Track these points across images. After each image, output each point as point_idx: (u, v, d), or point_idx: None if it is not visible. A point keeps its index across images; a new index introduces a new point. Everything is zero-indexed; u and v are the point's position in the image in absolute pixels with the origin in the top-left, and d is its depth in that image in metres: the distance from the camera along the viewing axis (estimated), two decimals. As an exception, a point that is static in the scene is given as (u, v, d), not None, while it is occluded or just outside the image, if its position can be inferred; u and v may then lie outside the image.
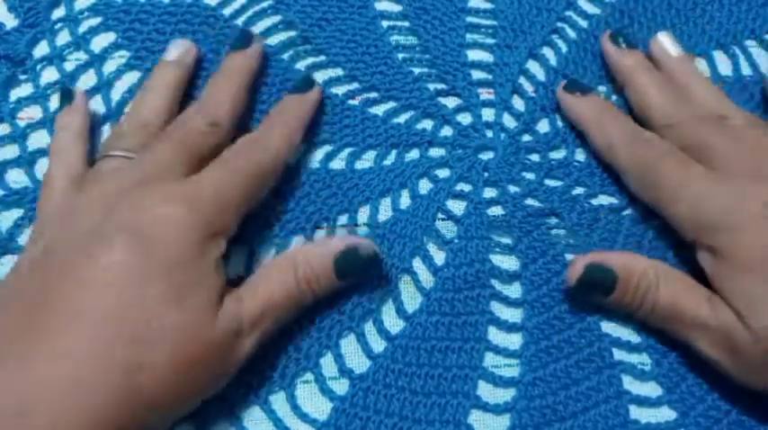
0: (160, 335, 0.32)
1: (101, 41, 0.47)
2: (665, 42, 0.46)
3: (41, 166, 0.43)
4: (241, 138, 0.40)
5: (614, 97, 0.46)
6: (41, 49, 0.46)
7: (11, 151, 0.44)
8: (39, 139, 0.44)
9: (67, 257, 0.33)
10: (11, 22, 0.47)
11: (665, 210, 0.39)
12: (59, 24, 0.47)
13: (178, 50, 0.44)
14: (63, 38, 0.47)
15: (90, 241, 0.33)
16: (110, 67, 0.46)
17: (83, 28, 0.47)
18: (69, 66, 0.46)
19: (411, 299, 0.41)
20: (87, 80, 0.46)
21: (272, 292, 0.36)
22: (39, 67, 0.46)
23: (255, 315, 0.35)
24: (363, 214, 0.43)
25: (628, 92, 0.45)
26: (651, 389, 0.39)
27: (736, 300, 0.35)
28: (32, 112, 0.45)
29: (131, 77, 0.46)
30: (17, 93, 0.45)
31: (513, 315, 0.41)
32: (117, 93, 0.45)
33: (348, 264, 0.38)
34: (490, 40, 0.48)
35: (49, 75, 0.46)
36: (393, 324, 0.40)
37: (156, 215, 0.34)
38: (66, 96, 0.43)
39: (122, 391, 0.30)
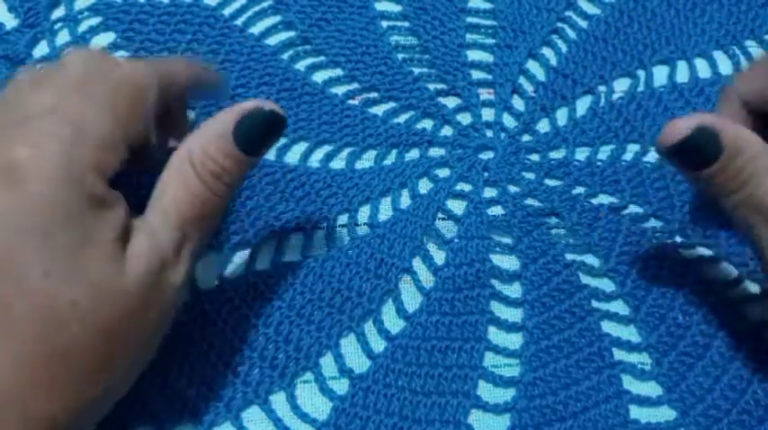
0: (65, 314, 0.26)
1: (100, 41, 0.47)
2: None
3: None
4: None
5: (614, 96, 0.46)
6: (41, 50, 0.46)
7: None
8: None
9: None
10: (11, 22, 0.47)
11: None
12: (59, 24, 0.47)
13: None
14: (62, 38, 0.47)
15: None
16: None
17: (82, 28, 0.47)
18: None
19: (411, 298, 0.41)
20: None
21: (180, 204, 0.30)
22: (38, 67, 0.46)
23: (175, 239, 0.30)
24: (363, 214, 0.43)
25: None
26: (651, 389, 0.39)
27: None
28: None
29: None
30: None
31: (513, 315, 0.41)
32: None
33: (249, 133, 0.31)
34: (490, 41, 0.48)
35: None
36: (393, 324, 0.40)
37: (22, 153, 0.27)
38: None
39: (50, 380, 0.26)
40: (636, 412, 0.39)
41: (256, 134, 0.32)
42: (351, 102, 0.46)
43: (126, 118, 0.30)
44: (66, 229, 0.27)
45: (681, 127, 0.32)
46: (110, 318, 0.27)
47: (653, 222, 0.43)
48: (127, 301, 0.28)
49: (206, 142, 0.31)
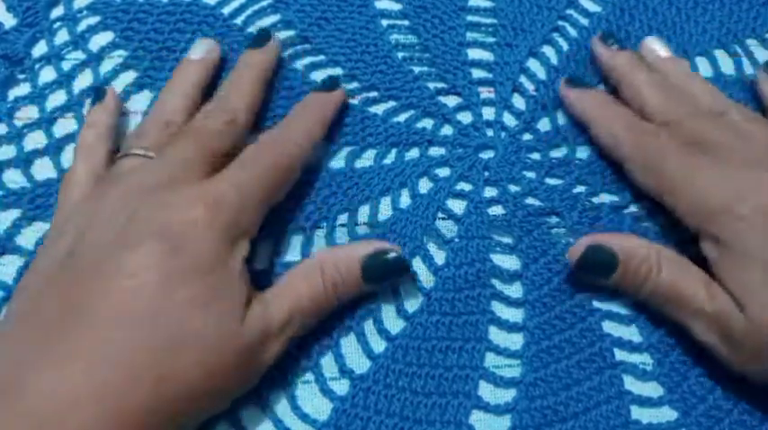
0: (189, 341, 0.31)
1: (99, 40, 0.47)
2: (655, 44, 0.46)
3: (38, 167, 0.43)
4: (261, 136, 0.40)
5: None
6: (40, 49, 0.46)
7: (8, 151, 0.44)
8: (36, 140, 0.44)
9: (94, 262, 0.33)
10: (9, 21, 0.46)
11: (671, 198, 0.39)
12: (58, 24, 0.47)
13: (202, 49, 0.44)
14: (61, 37, 0.47)
15: (116, 247, 0.33)
16: (107, 66, 0.46)
17: (81, 27, 0.47)
18: (67, 65, 0.46)
19: (411, 298, 0.41)
20: (84, 79, 0.46)
21: (299, 296, 0.36)
22: (37, 66, 0.46)
23: (283, 319, 0.35)
24: (363, 213, 0.43)
25: (622, 91, 0.44)
26: (652, 390, 0.39)
27: (736, 288, 0.35)
28: (30, 112, 0.45)
29: (128, 77, 0.46)
30: (15, 92, 0.45)
31: (513, 315, 0.41)
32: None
33: (375, 267, 0.38)
34: (490, 39, 0.48)
35: (48, 74, 0.46)
36: (393, 324, 0.40)
37: (180, 219, 0.34)
38: (99, 94, 0.43)
39: (151, 399, 0.30)
40: (637, 412, 0.39)
41: (380, 271, 0.38)
42: (350, 101, 0.46)
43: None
44: (214, 275, 0.33)
45: (578, 247, 0.39)
46: (221, 356, 0.32)
47: (653, 222, 0.42)
48: (235, 347, 0.33)
49: (339, 260, 0.38)
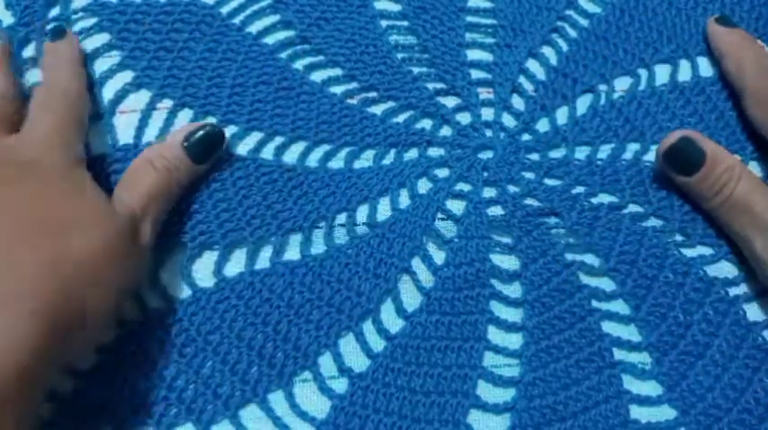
0: (71, 225, 0.34)
1: (94, 42, 0.46)
2: None
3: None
4: (35, 90, 0.42)
5: (615, 95, 0.46)
6: (30, 50, 0.46)
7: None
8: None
9: None
10: (8, 19, 0.46)
11: None
12: (53, 24, 0.46)
13: None
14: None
15: None
16: (102, 66, 0.46)
17: (76, 29, 0.47)
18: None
19: (411, 298, 0.41)
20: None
21: (144, 185, 0.39)
22: (24, 67, 0.45)
23: (141, 204, 0.38)
24: (362, 213, 0.43)
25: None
26: (651, 389, 0.39)
27: None
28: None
29: (126, 76, 0.45)
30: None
31: (513, 315, 0.41)
32: (109, 91, 0.45)
33: (197, 146, 0.41)
34: (490, 40, 0.48)
35: (36, 76, 0.45)
36: (393, 323, 0.40)
37: (22, 152, 0.37)
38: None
39: (54, 277, 0.32)
40: (636, 412, 0.39)
41: (202, 148, 0.42)
42: (349, 101, 0.46)
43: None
44: (71, 181, 0.37)
45: (672, 136, 0.41)
46: (105, 235, 0.35)
47: (653, 222, 0.42)
48: (116, 228, 0.36)
49: (164, 150, 0.41)
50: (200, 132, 0.41)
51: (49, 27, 0.46)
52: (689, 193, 0.42)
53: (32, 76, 0.45)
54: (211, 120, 0.44)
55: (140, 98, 0.45)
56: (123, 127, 0.44)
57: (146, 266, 0.39)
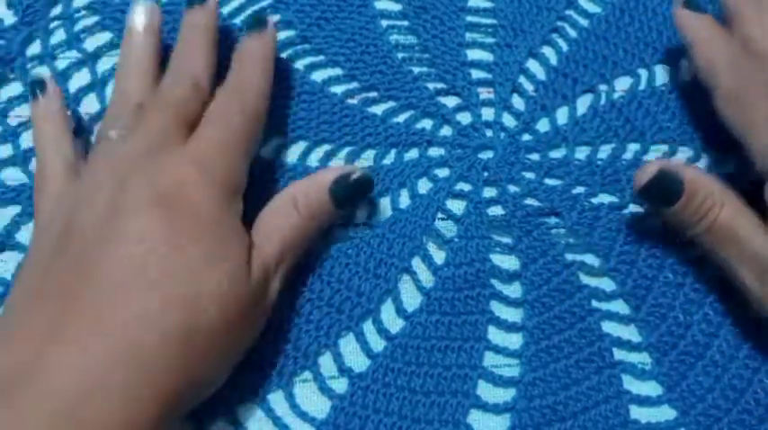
0: (207, 295, 0.32)
1: (96, 40, 0.46)
2: None
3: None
4: (218, 90, 0.40)
5: (616, 95, 0.46)
6: (35, 48, 0.46)
7: (5, 150, 0.44)
8: (31, 138, 0.43)
9: (94, 237, 0.33)
10: (9, 18, 0.46)
11: (749, 137, 0.39)
12: (55, 23, 0.47)
13: (144, 15, 0.42)
14: (58, 36, 0.46)
15: (113, 217, 0.33)
16: (105, 65, 0.46)
17: (78, 27, 0.47)
18: (62, 64, 0.46)
19: (411, 298, 0.41)
20: (81, 78, 0.46)
21: (282, 231, 0.37)
22: (29, 65, 0.45)
23: (276, 258, 0.36)
24: (362, 213, 0.43)
25: (731, 22, 0.43)
26: (651, 389, 0.39)
27: None
28: (24, 111, 0.44)
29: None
30: (7, 92, 0.45)
31: (513, 314, 0.41)
32: (111, 91, 0.44)
33: (343, 191, 0.39)
34: (490, 40, 0.48)
35: (41, 73, 0.45)
36: (393, 323, 0.40)
37: (171, 181, 0.34)
38: (39, 86, 0.42)
39: (182, 356, 0.31)
40: (636, 412, 0.39)
41: (349, 194, 0.39)
42: (350, 101, 0.46)
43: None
44: (219, 229, 0.34)
45: (648, 170, 0.38)
46: (237, 306, 0.33)
47: (653, 222, 0.42)
48: (248, 297, 0.34)
49: (309, 190, 0.39)
50: (351, 178, 0.39)
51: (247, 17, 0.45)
52: (671, 223, 0.40)
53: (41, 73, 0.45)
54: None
55: (141, 98, 0.45)
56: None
57: (264, 323, 0.37)
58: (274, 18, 0.47)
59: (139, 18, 0.42)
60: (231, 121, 0.38)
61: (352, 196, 0.40)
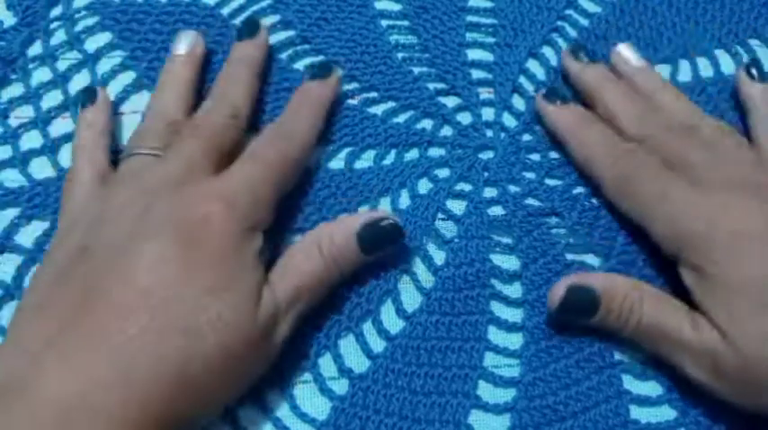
0: (208, 325, 0.32)
1: (96, 41, 0.47)
2: (626, 53, 0.45)
3: (35, 166, 0.43)
4: (266, 128, 0.41)
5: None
6: (36, 49, 0.46)
7: (4, 151, 0.44)
8: (31, 139, 0.44)
9: (110, 255, 0.33)
10: (9, 20, 0.46)
11: (645, 223, 0.39)
12: (55, 24, 0.47)
13: (187, 43, 0.44)
14: (58, 37, 0.46)
15: (132, 239, 0.33)
16: (104, 66, 0.46)
17: (78, 27, 0.47)
18: (62, 65, 0.46)
19: (411, 298, 0.41)
20: (81, 80, 0.46)
21: (301, 273, 0.37)
22: (30, 66, 0.46)
23: (289, 298, 0.36)
24: (363, 214, 0.43)
25: (595, 107, 0.44)
26: (651, 389, 0.39)
27: (721, 320, 0.35)
28: (24, 113, 0.45)
29: (127, 77, 0.46)
30: (8, 93, 0.45)
31: (513, 315, 0.41)
32: (111, 93, 0.45)
33: (371, 237, 0.38)
34: (490, 39, 0.48)
35: (43, 74, 0.46)
36: (393, 323, 0.40)
37: (195, 214, 0.34)
38: (90, 94, 0.43)
39: (176, 383, 0.31)
40: (636, 412, 0.39)
41: (376, 241, 0.38)
42: (350, 101, 0.46)
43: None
44: (231, 262, 0.34)
45: (558, 289, 0.38)
46: (239, 338, 0.33)
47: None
48: (252, 332, 0.34)
49: (335, 234, 0.38)
50: (380, 225, 0.38)
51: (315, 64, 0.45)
52: (601, 328, 0.39)
53: (42, 75, 0.45)
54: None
55: (141, 99, 0.45)
56: (125, 128, 0.44)
57: (271, 363, 0.37)
58: (275, 18, 0.48)
59: (182, 45, 0.44)
60: (271, 163, 0.38)
61: (380, 243, 0.39)
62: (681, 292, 0.38)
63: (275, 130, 0.40)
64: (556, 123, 0.44)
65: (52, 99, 0.45)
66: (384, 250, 0.39)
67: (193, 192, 0.35)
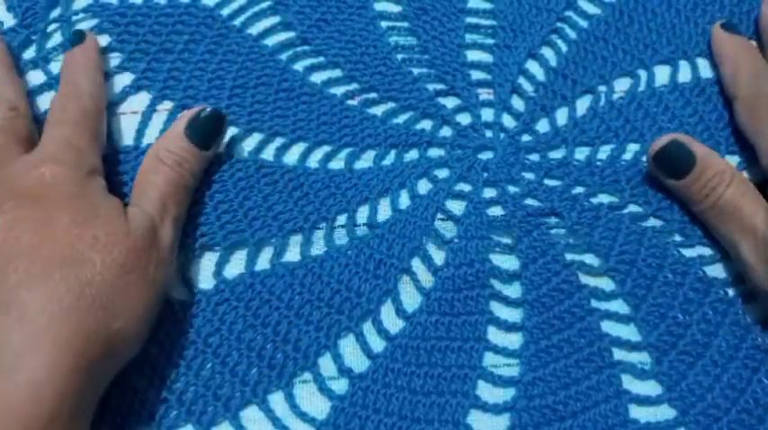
0: (90, 249, 0.34)
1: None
2: None
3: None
4: (53, 100, 0.42)
5: (615, 96, 0.46)
6: (32, 52, 0.46)
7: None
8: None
9: None
10: (9, 21, 0.46)
11: (757, 139, 0.42)
12: (53, 26, 0.47)
13: None
14: (55, 40, 0.46)
15: None
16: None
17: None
18: (56, 68, 0.45)
19: (410, 298, 0.41)
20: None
21: (156, 186, 0.39)
22: (26, 69, 0.46)
23: (158, 209, 0.38)
24: (362, 214, 0.43)
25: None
26: (651, 388, 0.39)
27: None
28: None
29: (125, 78, 0.46)
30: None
31: (512, 315, 0.41)
32: (110, 93, 0.45)
33: (197, 130, 0.41)
34: (489, 41, 0.48)
35: (36, 77, 0.45)
36: (392, 324, 0.40)
37: (29, 179, 0.36)
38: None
39: (78, 310, 0.33)
40: (635, 411, 0.39)
41: (203, 132, 0.41)
42: (350, 102, 0.46)
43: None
44: (84, 198, 0.36)
45: (662, 140, 0.41)
46: (123, 250, 0.35)
47: (653, 222, 0.42)
48: (135, 242, 0.36)
49: (168, 142, 0.41)
50: (200, 116, 0.41)
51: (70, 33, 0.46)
52: (678, 195, 0.42)
53: (35, 77, 0.45)
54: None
55: (141, 100, 0.45)
56: (124, 129, 0.44)
57: (172, 268, 0.39)
58: (275, 19, 0.48)
59: None
60: (73, 119, 0.40)
61: (208, 133, 0.41)
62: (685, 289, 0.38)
63: (62, 97, 0.42)
64: (721, 46, 0.47)
65: (46, 102, 0.44)
66: (216, 139, 0.42)
67: (19, 166, 0.37)
